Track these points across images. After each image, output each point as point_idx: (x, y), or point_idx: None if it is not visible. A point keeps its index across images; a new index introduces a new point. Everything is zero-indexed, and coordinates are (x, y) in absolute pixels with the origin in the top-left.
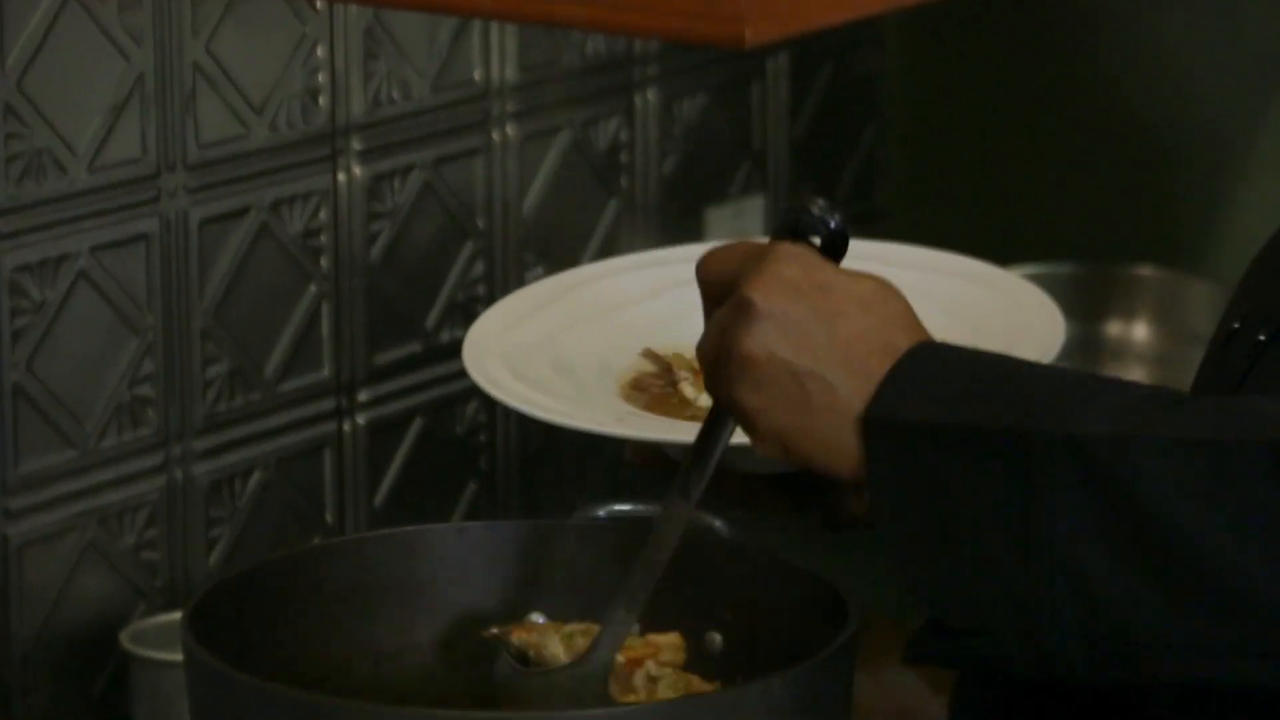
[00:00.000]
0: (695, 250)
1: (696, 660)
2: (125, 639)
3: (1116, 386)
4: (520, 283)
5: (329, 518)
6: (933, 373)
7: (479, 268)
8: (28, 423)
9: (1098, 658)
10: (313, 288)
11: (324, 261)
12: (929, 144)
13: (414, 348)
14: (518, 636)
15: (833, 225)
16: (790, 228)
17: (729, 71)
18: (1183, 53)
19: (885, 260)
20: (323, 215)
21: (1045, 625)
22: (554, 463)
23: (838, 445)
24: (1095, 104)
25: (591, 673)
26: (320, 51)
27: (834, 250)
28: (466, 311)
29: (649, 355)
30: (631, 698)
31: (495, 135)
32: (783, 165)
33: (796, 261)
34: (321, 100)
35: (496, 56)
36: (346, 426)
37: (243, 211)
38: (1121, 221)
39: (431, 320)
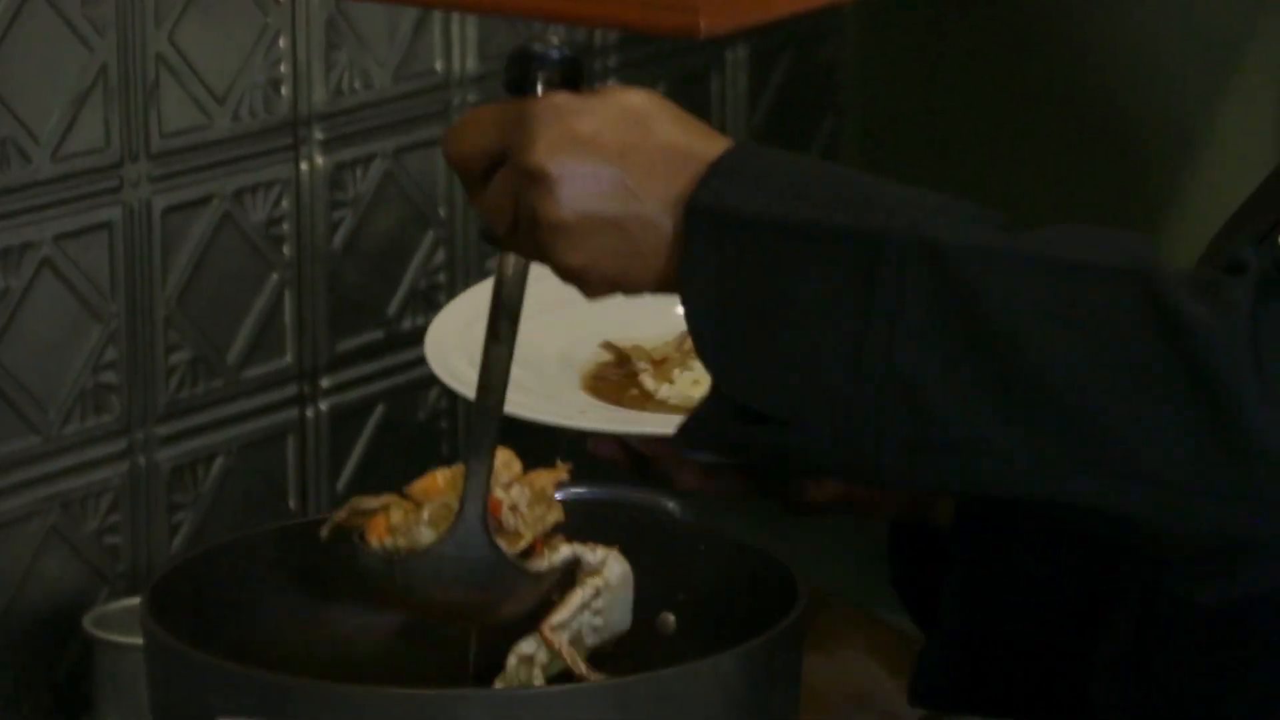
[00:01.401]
0: None
1: (651, 641)
2: (88, 623)
3: (971, 205)
4: (481, 271)
5: (291, 503)
6: (762, 168)
7: (440, 256)
8: None
9: (915, 465)
10: (275, 276)
11: (286, 250)
12: (888, 134)
13: (376, 335)
14: (376, 540)
15: (560, 55)
16: (521, 78)
17: (689, 62)
18: (1143, 41)
19: None
20: (285, 204)
21: (864, 426)
22: (515, 448)
23: (667, 265)
24: (1055, 93)
25: (471, 532)
26: (282, 42)
27: (575, 80)
28: (428, 299)
29: (608, 347)
30: (511, 539)
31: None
32: None
33: (560, 111)
34: (284, 90)
35: (457, 47)
36: (309, 413)
37: (205, 200)
38: (1081, 209)
39: (393, 308)
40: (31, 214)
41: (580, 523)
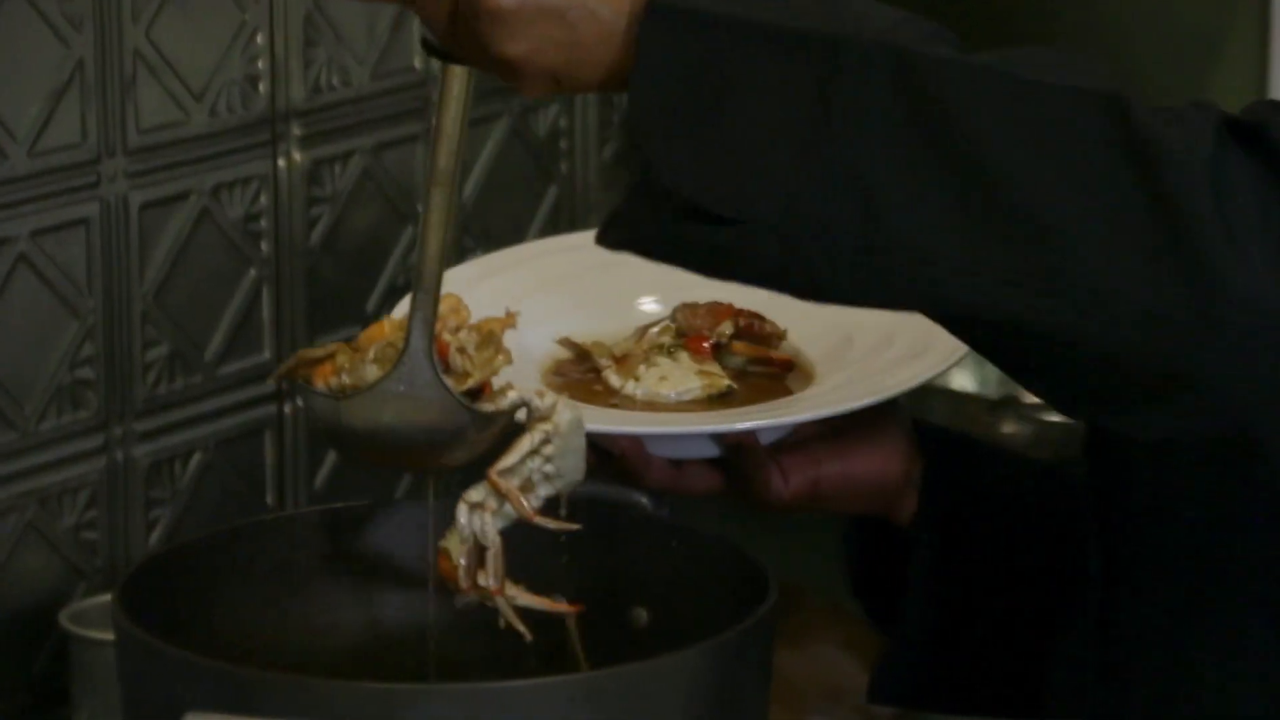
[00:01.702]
0: None
1: (623, 636)
2: (65, 618)
3: (941, 27)
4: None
5: (269, 499)
6: None
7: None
8: None
9: (862, 271)
10: (253, 271)
11: (264, 246)
12: None
13: (354, 331)
14: (321, 378)
15: None
16: None
17: None
18: (1119, 42)
19: None
20: (263, 200)
21: (813, 226)
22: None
23: (613, 62)
24: None
25: (417, 367)
26: (260, 38)
27: None
28: (405, 295)
29: (566, 344)
30: (459, 380)
31: (435, 121)
32: None
33: None
34: (261, 87)
35: None
36: (287, 409)
37: (183, 196)
38: None
39: (371, 304)
40: (8, 210)
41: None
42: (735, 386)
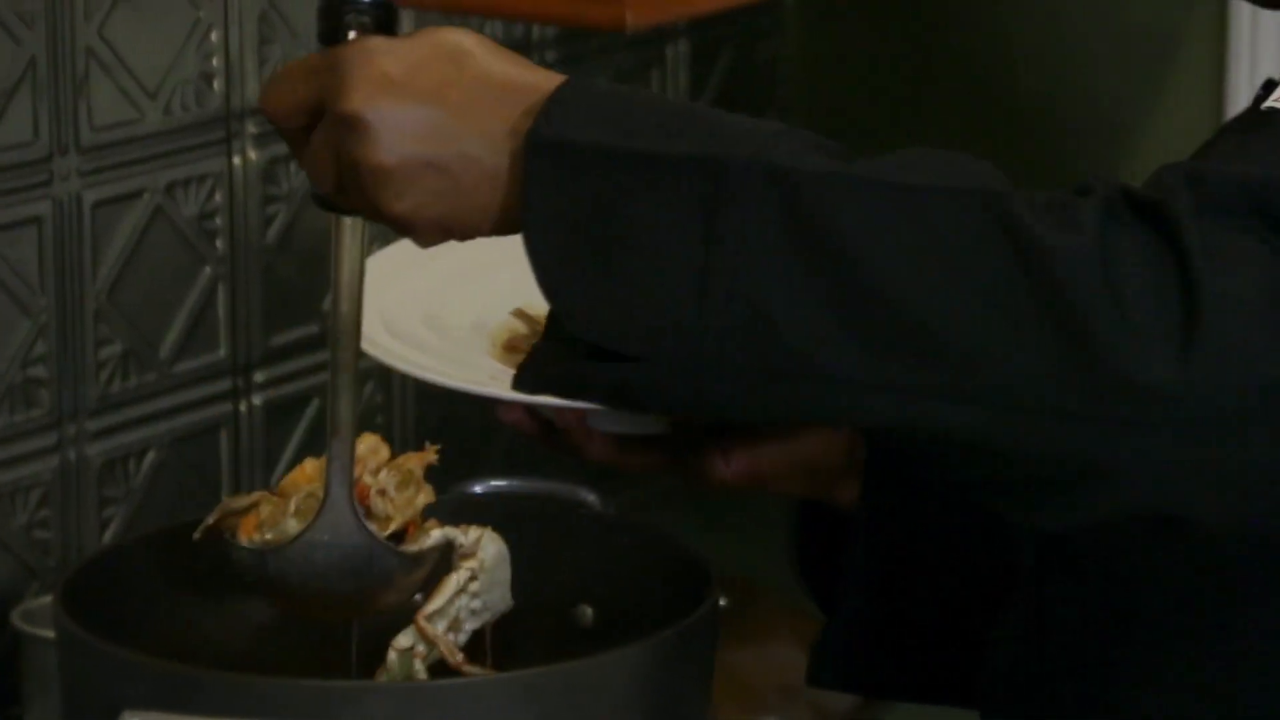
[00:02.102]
0: None
1: (568, 633)
2: (16, 617)
3: (813, 135)
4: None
5: (225, 497)
6: (602, 100)
7: (375, 250)
8: None
9: (768, 396)
10: (208, 269)
11: (219, 244)
12: (829, 128)
13: (310, 329)
14: (246, 536)
15: (370, 0)
16: (334, 29)
17: (628, 58)
18: (1078, 41)
19: None
20: (218, 198)
21: (711, 357)
22: (452, 441)
23: (502, 205)
24: (991, 86)
25: (339, 516)
26: (214, 36)
27: (389, 25)
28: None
29: (520, 315)
30: (381, 525)
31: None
32: None
33: (370, 56)
34: (216, 84)
35: None
36: (243, 407)
37: (137, 194)
38: None
39: (328, 303)
40: None
41: (499, 516)
42: None
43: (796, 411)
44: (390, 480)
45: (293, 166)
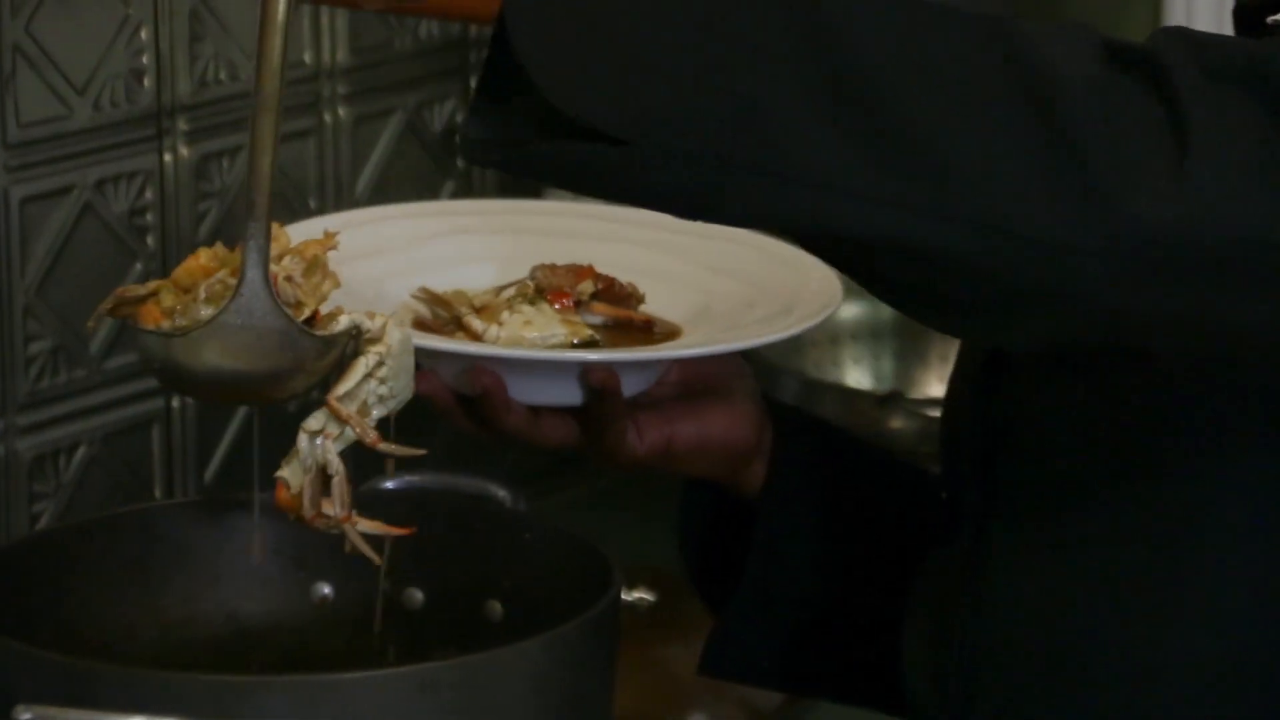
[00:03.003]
0: (465, 205)
1: (477, 628)
2: None
3: None
4: None
5: (157, 493)
6: None
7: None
8: None
9: (754, 194)
10: (139, 265)
11: (150, 240)
12: None
13: None
14: (149, 319)
15: None
16: None
17: None
18: None
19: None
20: (149, 194)
21: (706, 148)
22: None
23: None
24: None
25: (255, 299)
26: (144, 33)
27: None
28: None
29: (424, 295)
30: (295, 311)
31: (327, 117)
32: None
33: None
34: (146, 81)
35: (327, 38)
36: (175, 403)
37: (66, 190)
38: None
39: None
40: None
41: (410, 509)
42: (599, 337)
43: (775, 213)
44: (296, 266)
45: (225, 163)
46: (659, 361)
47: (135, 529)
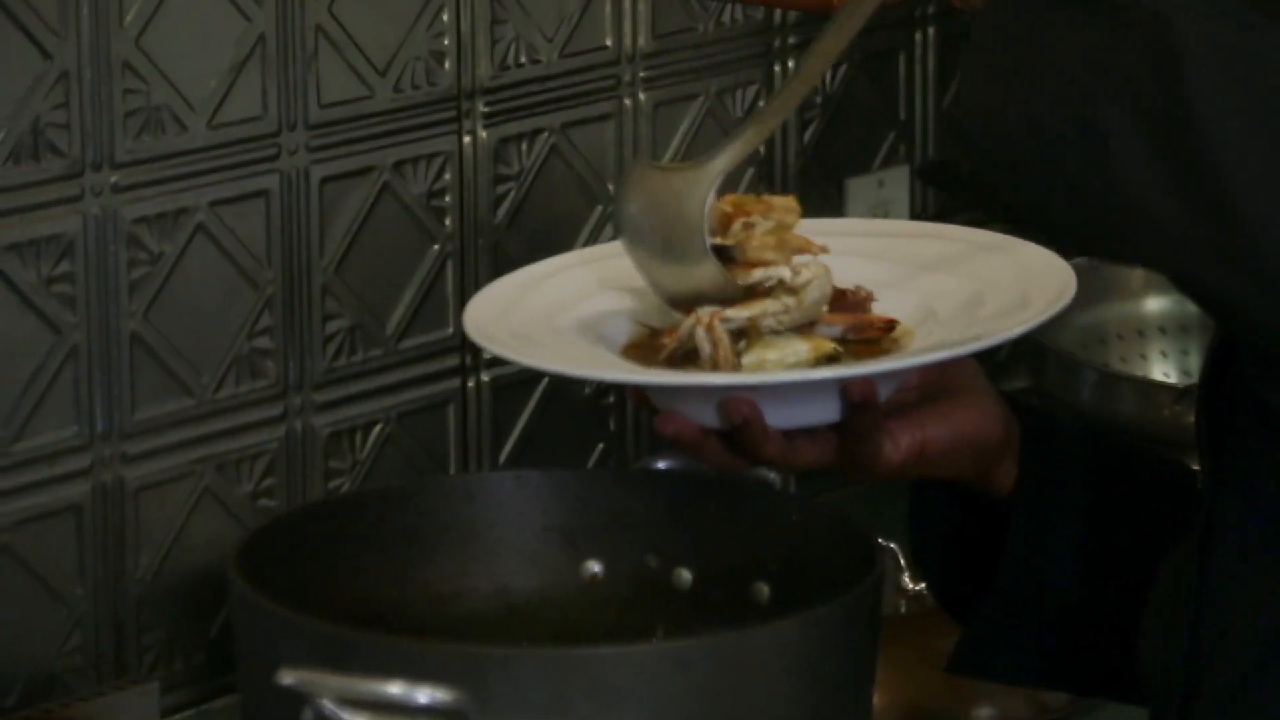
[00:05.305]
0: None
1: (744, 610)
2: None
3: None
4: None
5: (453, 472)
6: None
7: (609, 231)
8: (145, 371)
9: (1076, 210)
10: (436, 247)
11: (448, 222)
12: None
13: None
14: None
15: None
16: None
17: (875, 42)
18: None
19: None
20: (447, 176)
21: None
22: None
23: None
24: None
25: (702, 177)
26: (445, 16)
27: None
28: None
29: (642, 324)
30: (724, 239)
31: (627, 101)
32: (929, 137)
33: None
34: (446, 63)
35: (629, 22)
36: (471, 384)
37: (365, 171)
38: None
39: None
40: (187, 180)
41: (679, 490)
42: (841, 350)
43: (1100, 239)
44: (764, 223)
45: (524, 146)
46: (913, 368)
47: (408, 503)
